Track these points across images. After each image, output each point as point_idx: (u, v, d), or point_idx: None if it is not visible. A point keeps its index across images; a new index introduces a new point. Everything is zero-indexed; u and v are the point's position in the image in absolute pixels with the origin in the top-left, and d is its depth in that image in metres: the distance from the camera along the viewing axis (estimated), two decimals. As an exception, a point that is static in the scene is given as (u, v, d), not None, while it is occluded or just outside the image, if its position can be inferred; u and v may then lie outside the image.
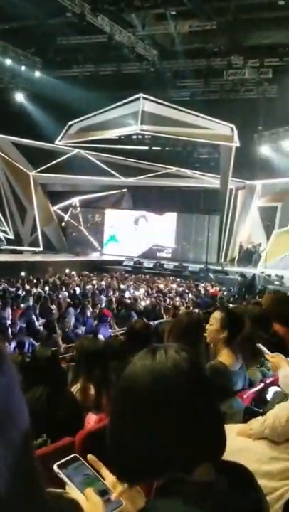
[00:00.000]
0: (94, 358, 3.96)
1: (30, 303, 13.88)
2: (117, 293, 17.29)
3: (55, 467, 1.22)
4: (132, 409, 1.17)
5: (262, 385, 3.89)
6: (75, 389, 3.93)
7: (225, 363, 3.47)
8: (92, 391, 3.88)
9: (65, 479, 1.21)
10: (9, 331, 11.24)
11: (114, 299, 15.81)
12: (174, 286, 20.77)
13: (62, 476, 1.22)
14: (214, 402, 1.24)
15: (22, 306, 13.47)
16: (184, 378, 1.17)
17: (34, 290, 15.99)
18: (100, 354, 4.02)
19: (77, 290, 17.30)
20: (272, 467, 2.43)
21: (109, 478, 1.27)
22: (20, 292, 15.45)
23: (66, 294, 16.14)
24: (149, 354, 1.22)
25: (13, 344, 9.80)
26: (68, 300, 14.90)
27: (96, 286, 18.31)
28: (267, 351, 3.49)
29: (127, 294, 17.08)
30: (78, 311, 13.52)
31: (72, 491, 1.19)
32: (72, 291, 16.85)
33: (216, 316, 3.80)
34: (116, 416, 1.23)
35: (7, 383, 0.76)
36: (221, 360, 3.50)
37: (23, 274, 19.09)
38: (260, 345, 3.55)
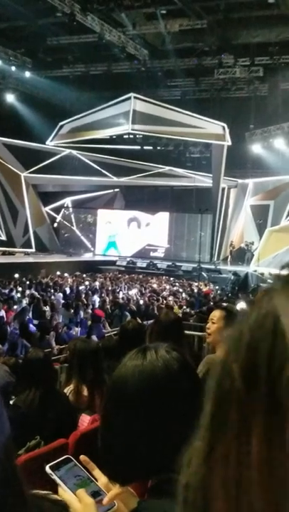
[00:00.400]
0: (86, 359, 3.94)
1: (23, 304, 13.83)
2: (111, 293, 17.25)
3: (47, 468, 1.20)
4: (123, 409, 1.17)
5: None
6: (68, 390, 3.92)
7: None
8: (86, 392, 3.86)
9: (58, 481, 1.20)
10: (2, 332, 11.20)
11: (107, 299, 15.78)
12: (168, 285, 20.76)
13: (54, 477, 1.20)
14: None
15: (15, 307, 13.41)
16: (175, 378, 1.17)
17: (27, 291, 15.93)
18: (93, 355, 4.00)
19: (70, 291, 17.25)
20: None
21: (101, 479, 1.25)
22: (13, 294, 15.38)
23: (59, 295, 16.09)
24: (139, 354, 1.21)
25: (6, 346, 9.74)
26: (61, 301, 14.85)
27: (89, 287, 18.27)
28: None
29: (120, 294, 17.05)
30: (71, 311, 13.49)
31: (65, 493, 1.17)
32: (65, 292, 16.80)
33: (218, 314, 3.81)
34: (107, 416, 1.23)
35: None
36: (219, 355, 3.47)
37: (15, 275, 19.00)
38: None
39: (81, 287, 18.01)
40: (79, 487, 1.20)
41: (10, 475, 0.75)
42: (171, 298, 17.19)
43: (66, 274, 21.58)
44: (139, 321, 12.06)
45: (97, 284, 19.24)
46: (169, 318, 3.81)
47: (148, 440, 1.13)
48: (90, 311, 13.59)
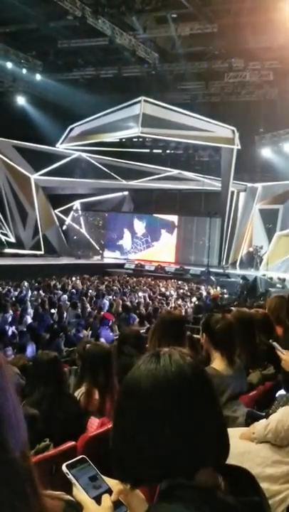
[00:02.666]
0: (99, 363, 3.95)
1: (32, 306, 13.86)
2: (119, 296, 17.25)
3: (64, 467, 1.22)
4: (135, 412, 1.17)
5: (264, 388, 3.87)
6: (79, 393, 3.93)
7: (216, 367, 3.44)
8: (97, 395, 3.88)
9: (73, 480, 1.21)
10: (10, 334, 11.23)
11: (115, 303, 15.77)
12: (175, 289, 20.72)
13: (70, 476, 1.22)
14: (217, 406, 1.25)
15: (24, 309, 13.44)
16: (188, 383, 1.17)
17: (36, 294, 15.96)
18: (105, 359, 4.01)
19: (79, 293, 17.26)
20: (275, 471, 2.44)
21: (109, 482, 1.26)
22: (22, 296, 15.43)
23: (67, 297, 16.11)
24: (153, 358, 1.22)
25: (12, 348, 9.75)
26: (69, 303, 14.86)
27: (97, 290, 18.28)
28: (279, 348, 3.48)
29: (128, 298, 17.04)
30: (80, 314, 13.50)
31: (78, 493, 1.19)
32: (73, 295, 16.81)
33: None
34: (119, 418, 1.23)
35: (3, 386, 0.77)
36: (213, 366, 3.47)
37: (24, 277, 19.04)
38: (274, 343, 3.54)
39: (90, 290, 18.03)
40: (92, 487, 1.21)
41: (26, 475, 0.78)
42: (179, 302, 17.17)
43: (75, 276, 21.62)
44: (147, 324, 12.11)
45: (104, 286, 19.24)
46: (173, 316, 3.83)
47: (158, 444, 1.14)
48: (98, 313, 13.58)
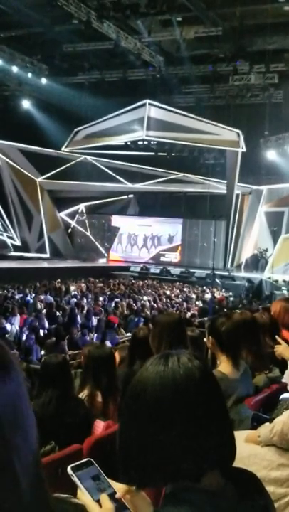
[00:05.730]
0: (101, 366, 3.94)
1: (37, 310, 13.87)
2: (124, 299, 17.24)
3: (69, 469, 1.21)
4: (142, 414, 1.17)
5: (269, 391, 3.86)
6: (82, 396, 3.92)
7: (223, 371, 3.44)
8: (100, 398, 3.87)
9: (77, 482, 1.20)
10: (16, 337, 11.25)
11: (120, 305, 15.76)
12: (181, 292, 20.69)
13: (74, 478, 1.21)
14: (224, 409, 1.24)
15: (29, 312, 13.45)
16: (196, 386, 1.17)
17: (41, 297, 15.98)
18: (107, 361, 4.01)
19: (84, 296, 17.26)
20: (281, 474, 2.44)
21: (115, 486, 1.25)
22: (27, 299, 15.44)
23: (73, 300, 16.11)
24: (161, 360, 1.21)
25: (18, 351, 9.77)
26: (75, 306, 14.86)
27: (103, 292, 18.28)
28: (281, 341, 3.48)
29: (133, 300, 17.03)
30: (84, 317, 13.49)
31: (83, 495, 1.18)
32: (78, 298, 16.82)
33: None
34: (125, 420, 1.23)
35: (16, 390, 0.77)
36: (220, 369, 3.47)
37: (30, 280, 19.06)
38: (277, 337, 3.55)
39: (95, 292, 18.03)
40: (97, 490, 1.20)
41: (38, 479, 0.78)
42: (184, 304, 17.14)
43: (80, 279, 21.62)
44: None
45: (110, 289, 19.25)
46: (171, 318, 3.81)
47: (165, 446, 1.13)
48: (103, 316, 13.58)
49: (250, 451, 2.53)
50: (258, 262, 26.14)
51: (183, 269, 26.70)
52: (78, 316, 13.51)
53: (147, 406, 1.16)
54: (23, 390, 0.79)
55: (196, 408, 1.15)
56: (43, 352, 9.93)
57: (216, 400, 1.21)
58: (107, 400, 3.86)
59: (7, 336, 11.09)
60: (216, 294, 20.19)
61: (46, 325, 12.52)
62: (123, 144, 27.02)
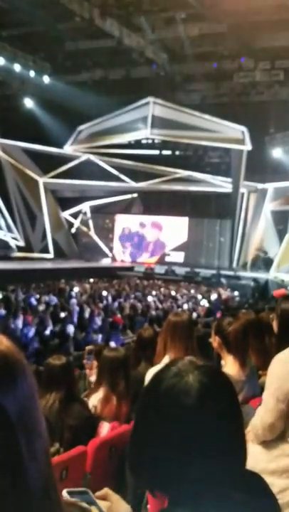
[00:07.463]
0: (118, 369, 3.97)
1: (42, 310, 13.74)
2: (129, 299, 17.11)
3: (64, 492, 1.19)
4: (154, 419, 1.17)
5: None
6: (96, 398, 3.93)
7: (228, 372, 3.36)
8: (115, 401, 3.88)
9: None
10: (21, 338, 11.09)
11: (125, 306, 15.64)
12: (186, 292, 20.55)
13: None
14: (239, 416, 1.23)
15: (33, 313, 13.31)
16: (210, 394, 1.17)
17: (45, 297, 15.85)
18: (123, 364, 4.02)
19: (88, 297, 17.13)
20: (277, 465, 2.51)
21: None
22: (31, 300, 15.31)
23: (76, 301, 15.97)
24: (174, 369, 1.21)
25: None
26: (79, 307, 14.72)
27: (107, 293, 18.13)
28: None
29: (138, 301, 16.89)
30: (89, 318, 13.38)
31: None
32: (82, 298, 16.69)
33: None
34: (138, 428, 1.24)
35: (29, 394, 0.77)
36: (225, 370, 3.40)
37: (33, 281, 18.94)
38: None
39: (99, 293, 17.90)
40: None
41: (50, 480, 0.81)
42: (190, 304, 17.03)
43: (84, 280, 21.51)
44: (158, 328, 11.93)
45: (114, 290, 19.12)
46: (180, 318, 3.76)
47: (177, 455, 1.13)
48: (108, 317, 13.46)
49: (249, 449, 2.52)
50: (262, 261, 26.00)
51: (188, 269, 26.54)
52: (83, 317, 13.39)
53: (160, 415, 1.16)
54: (35, 393, 0.80)
55: (211, 417, 1.15)
56: (46, 353, 9.77)
57: (231, 409, 1.21)
58: (120, 402, 3.87)
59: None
60: (221, 294, 20.02)
61: (50, 326, 12.38)
62: (127, 142, 26.89)
